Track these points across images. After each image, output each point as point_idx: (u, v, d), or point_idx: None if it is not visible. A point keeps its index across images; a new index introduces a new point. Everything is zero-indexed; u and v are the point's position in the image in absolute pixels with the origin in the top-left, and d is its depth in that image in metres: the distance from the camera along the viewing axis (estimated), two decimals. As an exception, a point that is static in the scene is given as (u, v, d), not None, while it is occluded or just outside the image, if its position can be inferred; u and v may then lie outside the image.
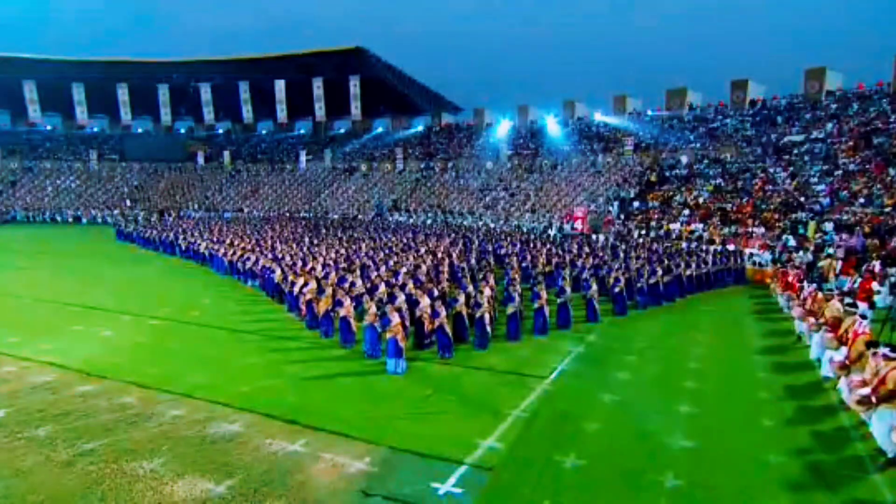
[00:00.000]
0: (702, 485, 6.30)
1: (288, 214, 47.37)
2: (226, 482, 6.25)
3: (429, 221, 40.80)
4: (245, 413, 8.17)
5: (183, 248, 26.46)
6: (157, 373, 9.90)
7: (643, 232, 30.01)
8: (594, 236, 30.83)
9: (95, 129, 60.65)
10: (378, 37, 58.09)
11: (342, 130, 61.61)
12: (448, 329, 11.08)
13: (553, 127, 48.82)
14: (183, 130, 63.74)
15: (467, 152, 50.85)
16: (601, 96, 51.56)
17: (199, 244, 25.02)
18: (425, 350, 11.34)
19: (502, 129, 51.05)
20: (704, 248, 24.61)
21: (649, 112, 47.03)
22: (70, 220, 48.18)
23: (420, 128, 57.45)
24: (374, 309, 10.91)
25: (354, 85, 51.17)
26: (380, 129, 59.11)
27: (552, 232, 33.03)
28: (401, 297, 12.27)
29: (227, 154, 58.27)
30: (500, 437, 7.48)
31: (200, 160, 58.38)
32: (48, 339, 11.93)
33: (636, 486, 6.29)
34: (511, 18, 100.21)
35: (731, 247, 23.63)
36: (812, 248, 21.02)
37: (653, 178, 37.28)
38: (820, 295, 12.87)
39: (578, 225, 32.86)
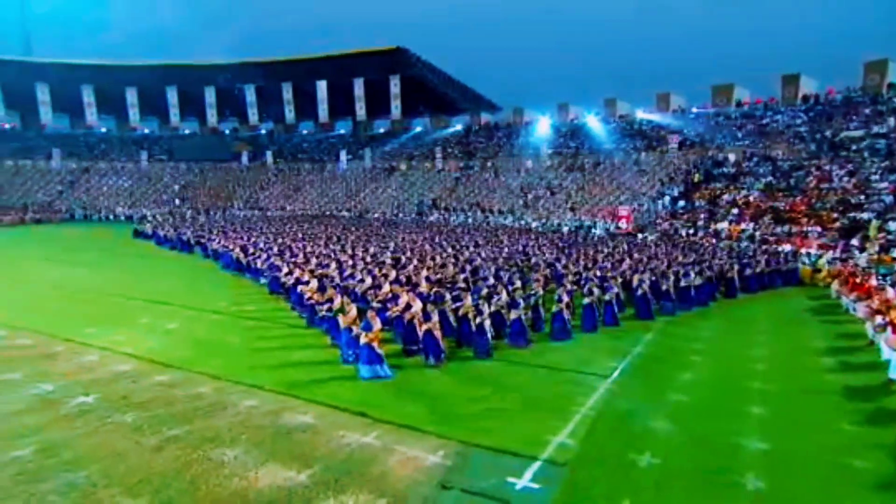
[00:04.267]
0: (785, 487, 6.16)
1: (328, 213, 48.20)
2: (306, 471, 6.44)
3: (469, 220, 40.84)
4: (314, 405, 8.37)
5: (203, 246, 26.37)
6: (224, 365, 10.20)
7: (690, 231, 29.33)
8: (640, 235, 30.35)
9: (146, 131, 63.02)
10: (416, 35, 58.21)
11: (381, 130, 62.29)
12: (437, 334, 10.34)
13: (594, 124, 48.20)
14: (228, 131, 65.58)
15: (507, 151, 50.72)
16: (643, 94, 50.42)
17: (215, 241, 25.11)
18: (412, 356, 10.66)
19: (542, 127, 50.69)
20: (755, 247, 24.00)
21: (694, 109, 45.94)
22: (123, 218, 50.08)
23: (458, 126, 57.60)
24: (353, 312, 10.57)
25: (395, 84, 51.64)
26: (418, 129, 59.52)
27: (596, 231, 32.63)
28: (403, 298, 11.87)
29: (269, 154, 59.70)
30: (569, 434, 7.47)
31: (245, 160, 60.00)
32: (120, 331, 12.47)
33: (716, 486, 6.19)
34: (550, 16, 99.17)
35: (786, 247, 22.88)
36: (876, 248, 20.15)
37: (698, 177, 36.39)
38: (890, 295, 12.40)
39: (623, 224, 32.33)
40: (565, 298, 12.18)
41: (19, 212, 46.49)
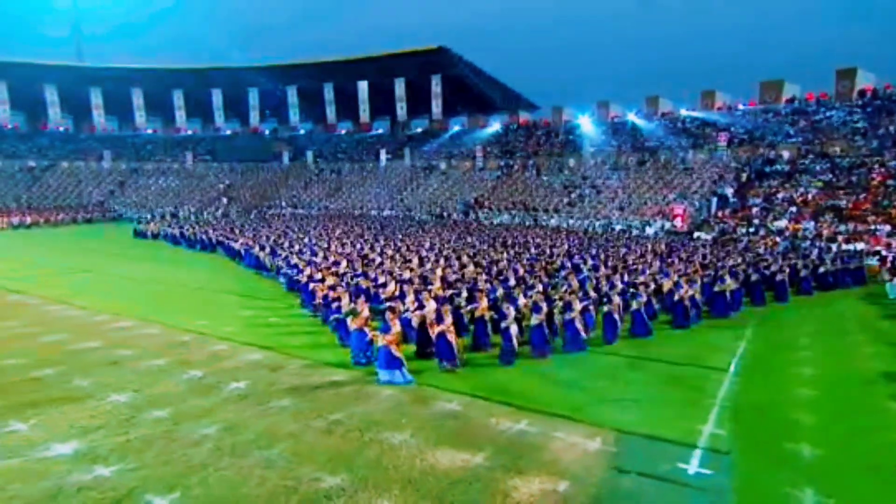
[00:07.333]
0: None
1: (365, 212, 48.79)
2: (480, 454, 6.67)
3: (515, 220, 40.95)
4: (455, 394, 8.64)
5: (224, 245, 26.17)
6: (341, 355, 10.44)
7: (751, 230, 29.00)
8: (695, 235, 30.10)
9: (189, 132, 64.49)
10: (454, 36, 58.33)
11: (419, 130, 62.69)
12: (451, 338, 9.91)
13: (636, 122, 47.83)
14: (268, 132, 66.74)
15: (547, 150, 50.62)
16: (687, 91, 49.85)
17: (237, 240, 24.95)
18: (427, 359, 10.29)
19: (583, 125, 50.47)
20: (820, 245, 23.72)
21: (740, 106, 45.22)
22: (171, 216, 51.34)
23: (497, 125, 57.66)
24: (366, 312, 10.26)
25: (436, 84, 52.02)
26: (457, 128, 59.74)
27: (650, 231, 32.45)
28: (410, 297, 11.69)
29: (310, 153, 60.65)
30: (717, 424, 7.61)
31: (285, 160, 61.08)
32: (230, 323, 12.97)
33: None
34: (588, 14, 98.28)
35: (859, 245, 22.51)
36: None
37: (746, 176, 35.87)
38: None
39: (678, 223, 32.08)
40: (577, 306, 11.34)
41: (72, 211, 48.11)
